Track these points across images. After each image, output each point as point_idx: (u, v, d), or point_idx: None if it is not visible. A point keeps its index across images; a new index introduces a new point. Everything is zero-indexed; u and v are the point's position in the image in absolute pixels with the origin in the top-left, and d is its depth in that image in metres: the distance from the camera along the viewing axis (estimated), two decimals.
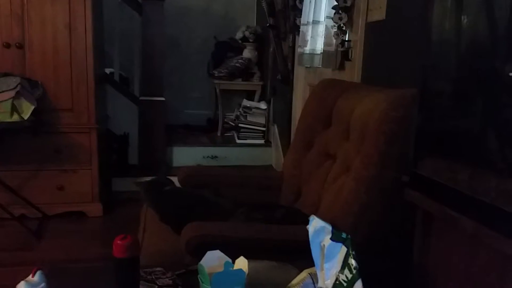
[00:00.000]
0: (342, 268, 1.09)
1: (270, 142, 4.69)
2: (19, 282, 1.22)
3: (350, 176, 1.60)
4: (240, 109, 4.78)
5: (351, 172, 1.61)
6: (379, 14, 2.16)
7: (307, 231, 1.27)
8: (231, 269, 1.27)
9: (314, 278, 1.19)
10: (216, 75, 4.83)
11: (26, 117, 3.04)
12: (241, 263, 1.26)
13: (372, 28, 2.27)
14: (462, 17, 1.33)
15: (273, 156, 4.56)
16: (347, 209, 1.52)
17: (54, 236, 3.08)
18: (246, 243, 1.53)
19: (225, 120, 4.96)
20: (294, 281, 1.23)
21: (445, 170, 1.26)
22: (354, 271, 1.06)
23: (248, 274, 1.24)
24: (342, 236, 1.13)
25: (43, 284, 1.22)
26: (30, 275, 1.24)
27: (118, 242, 1.03)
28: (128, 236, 1.05)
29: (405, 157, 1.46)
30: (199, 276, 1.27)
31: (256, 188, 2.24)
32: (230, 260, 1.28)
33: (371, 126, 1.55)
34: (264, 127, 4.71)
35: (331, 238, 1.14)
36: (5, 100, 3.01)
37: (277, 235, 1.56)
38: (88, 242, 3.06)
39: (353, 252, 1.08)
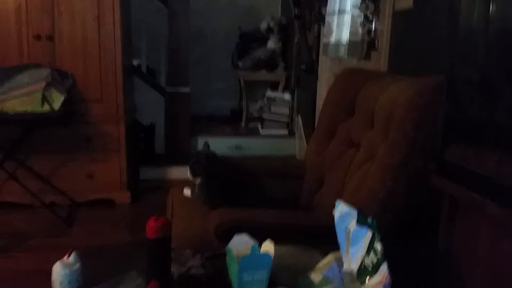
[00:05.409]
0: (368, 252, 1.10)
1: (294, 133, 4.70)
2: (53, 265, 1.27)
3: (375, 164, 1.61)
4: (264, 100, 4.81)
5: (375, 160, 1.62)
6: (406, 2, 2.15)
7: (332, 217, 1.29)
8: (258, 252, 1.30)
9: (339, 261, 1.21)
10: (240, 66, 4.86)
11: (56, 108, 3.12)
12: (268, 246, 1.29)
13: (399, 17, 2.26)
14: (491, 4, 1.33)
15: (297, 147, 4.58)
16: (372, 196, 1.54)
17: (83, 223, 3.17)
18: (273, 229, 1.55)
19: (249, 111, 4.99)
20: (320, 264, 1.25)
21: (472, 156, 1.26)
22: (379, 255, 1.08)
23: (274, 257, 1.28)
24: (368, 220, 1.14)
25: (78, 265, 1.27)
26: (65, 257, 1.30)
27: (151, 223, 1.07)
28: (160, 218, 1.09)
29: (431, 144, 1.46)
30: (227, 259, 1.31)
31: (279, 177, 2.27)
32: (257, 244, 1.32)
33: (397, 114, 1.55)
34: (288, 117, 4.72)
35: (356, 223, 1.16)
36: (36, 91, 3.09)
37: (303, 221, 1.59)
38: (117, 228, 3.14)
39: (379, 236, 1.09)
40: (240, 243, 1.33)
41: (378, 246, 1.08)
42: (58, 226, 3.07)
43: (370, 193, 1.55)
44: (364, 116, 1.86)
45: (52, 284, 1.25)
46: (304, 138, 4.27)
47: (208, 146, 2.14)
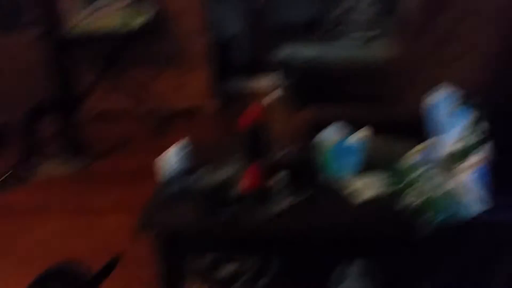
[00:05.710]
0: (470, 133, 1.09)
1: (379, 37, 4.51)
2: (152, 164, 1.39)
3: (476, 52, 1.52)
4: (345, 5, 4.62)
5: (476, 49, 1.54)
6: None
7: (425, 108, 1.27)
8: (350, 140, 1.33)
9: (435, 146, 1.21)
10: None
11: (141, 24, 3.21)
12: (363, 134, 1.32)
13: None
14: None
15: (382, 51, 4.41)
16: (473, 84, 1.47)
17: (174, 131, 3.34)
18: (364, 123, 1.56)
19: (330, 17, 4.83)
20: (414, 150, 1.26)
21: None
22: (482, 136, 1.07)
23: (368, 146, 1.31)
24: (471, 102, 1.12)
25: (186, 151, 1.41)
26: (174, 145, 1.42)
27: (251, 109, 1.13)
28: (258, 105, 1.15)
29: None
30: (319, 147, 1.35)
31: (365, 77, 2.22)
32: (350, 132, 1.34)
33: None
34: (372, 21, 4.53)
35: (459, 104, 1.14)
36: (120, 8, 3.20)
37: (395, 112, 1.58)
38: (207, 134, 3.28)
39: (482, 117, 1.07)
40: (334, 132, 1.36)
41: (481, 127, 1.07)
42: (150, 136, 3.28)
43: (470, 82, 1.48)
44: (461, 4, 1.74)
45: (160, 171, 1.38)
46: (390, 40, 4.09)
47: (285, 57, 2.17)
